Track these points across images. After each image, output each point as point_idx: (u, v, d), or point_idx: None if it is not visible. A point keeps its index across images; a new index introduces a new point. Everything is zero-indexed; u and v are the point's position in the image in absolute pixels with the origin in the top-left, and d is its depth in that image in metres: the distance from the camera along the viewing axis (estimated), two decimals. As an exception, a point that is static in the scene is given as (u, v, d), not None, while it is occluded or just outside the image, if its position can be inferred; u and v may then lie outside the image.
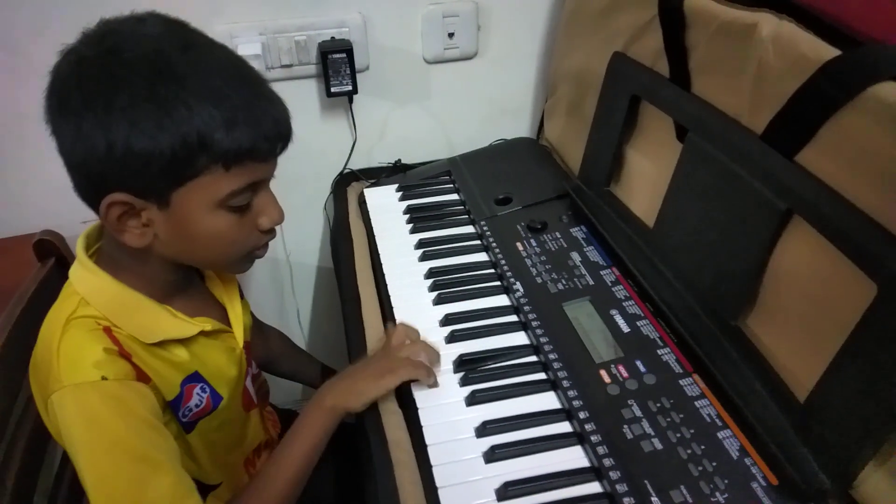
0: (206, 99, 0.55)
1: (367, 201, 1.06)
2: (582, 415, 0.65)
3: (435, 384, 0.71)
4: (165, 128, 0.54)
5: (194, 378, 0.67)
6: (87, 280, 0.62)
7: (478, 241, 0.94)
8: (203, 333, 0.68)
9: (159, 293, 0.65)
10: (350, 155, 1.16)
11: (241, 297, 0.79)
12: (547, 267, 0.85)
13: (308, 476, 0.68)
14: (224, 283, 0.76)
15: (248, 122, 0.57)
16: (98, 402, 0.56)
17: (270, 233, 0.66)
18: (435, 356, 0.73)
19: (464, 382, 0.71)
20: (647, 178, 0.86)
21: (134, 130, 0.53)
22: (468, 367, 0.73)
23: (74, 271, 0.64)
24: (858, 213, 0.54)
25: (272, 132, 0.60)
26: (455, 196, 1.06)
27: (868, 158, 0.53)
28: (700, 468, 0.59)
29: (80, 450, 0.56)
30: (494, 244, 0.91)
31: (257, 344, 0.89)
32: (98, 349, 0.58)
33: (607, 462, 0.60)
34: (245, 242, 0.65)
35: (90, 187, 0.57)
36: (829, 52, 0.55)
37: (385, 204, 1.05)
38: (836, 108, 0.54)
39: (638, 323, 0.74)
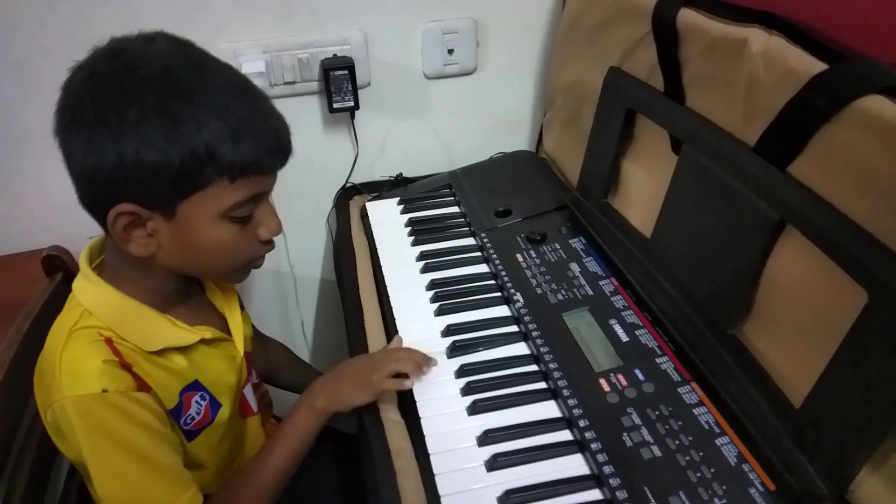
0: (213, 113, 0.57)
1: (369, 214, 1.07)
2: (582, 423, 0.66)
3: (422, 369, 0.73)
4: (175, 140, 0.56)
5: (194, 387, 0.69)
6: (89, 291, 0.64)
7: (478, 253, 0.95)
8: (203, 342, 0.69)
9: (160, 303, 0.67)
10: (352, 169, 1.17)
11: (242, 308, 0.81)
12: (546, 278, 0.86)
13: (293, 471, 0.70)
14: (224, 293, 0.78)
15: (253, 136, 0.60)
16: (100, 410, 0.58)
17: (269, 244, 0.68)
18: (425, 360, 0.74)
19: (465, 392, 0.72)
20: (643, 189, 0.87)
21: (144, 143, 0.55)
22: (469, 376, 0.74)
23: (78, 283, 0.65)
24: (849, 223, 0.55)
25: (275, 146, 0.63)
26: (456, 209, 1.07)
27: (856, 169, 0.54)
28: (698, 474, 0.60)
29: (86, 454, 0.58)
30: (495, 256, 0.92)
31: (259, 356, 0.91)
32: (98, 361, 0.60)
33: (607, 469, 0.61)
34: (245, 253, 0.67)
35: (98, 198, 0.59)
36: (817, 66, 0.56)
37: (387, 217, 1.06)
38: (825, 120, 0.56)
39: (636, 332, 0.76)
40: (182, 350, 0.68)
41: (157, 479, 0.60)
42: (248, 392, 0.79)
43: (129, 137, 0.55)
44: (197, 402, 0.69)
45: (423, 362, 0.73)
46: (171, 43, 0.60)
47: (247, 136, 0.59)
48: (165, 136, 0.56)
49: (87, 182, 0.59)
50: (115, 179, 0.57)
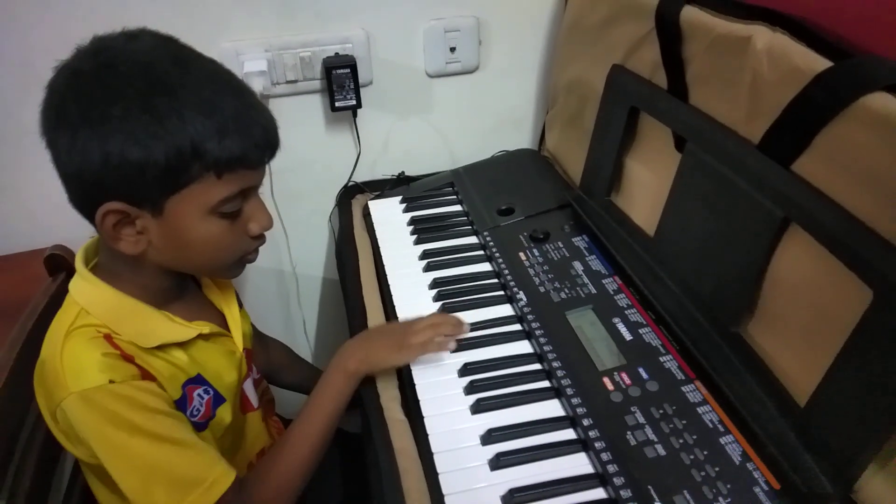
0: (197, 109, 0.57)
1: (372, 213, 1.07)
2: (586, 422, 0.66)
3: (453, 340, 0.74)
4: (159, 138, 0.56)
5: (196, 380, 0.69)
6: (85, 290, 0.64)
7: (481, 252, 0.95)
8: (202, 337, 0.69)
9: (156, 300, 0.67)
10: (354, 168, 1.17)
11: (241, 306, 0.80)
12: (550, 276, 0.86)
13: (331, 436, 0.70)
14: (221, 290, 0.78)
15: (238, 131, 0.59)
16: (109, 401, 0.58)
17: (260, 238, 0.68)
18: (457, 321, 0.76)
19: (469, 391, 0.72)
20: (647, 187, 0.87)
21: (129, 141, 0.55)
22: (473, 375, 0.73)
23: (74, 283, 0.66)
24: (854, 221, 0.55)
25: (262, 140, 0.62)
26: (458, 207, 1.07)
27: (861, 166, 0.54)
28: (703, 473, 0.60)
29: (101, 447, 0.58)
30: (497, 254, 0.92)
31: (259, 356, 0.91)
32: (98, 355, 0.60)
33: (611, 468, 0.61)
34: (236, 248, 0.67)
35: (85, 197, 0.59)
36: (822, 63, 0.56)
37: (389, 216, 1.06)
38: (829, 117, 0.55)
39: (640, 330, 0.75)
40: (181, 346, 0.68)
41: (184, 457, 0.59)
42: (248, 387, 0.79)
43: (114, 136, 0.55)
44: (199, 395, 0.69)
45: (458, 325, 0.75)
46: (154, 39, 0.60)
47: (232, 131, 0.59)
48: (150, 133, 0.55)
49: (74, 181, 0.59)
50: (101, 178, 0.57)
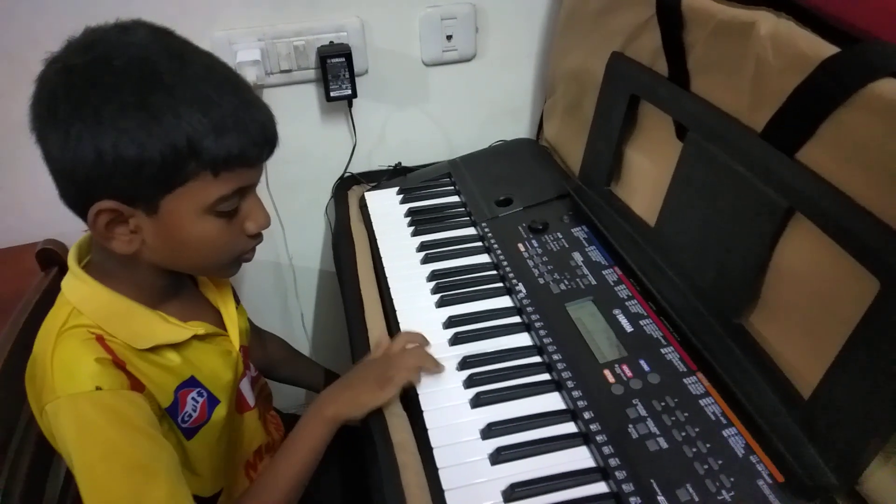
0: (194, 106, 0.55)
1: (369, 205, 1.06)
2: (587, 415, 0.65)
3: (438, 369, 0.72)
4: (154, 135, 0.54)
5: (189, 383, 0.67)
6: (78, 289, 0.63)
7: (479, 243, 0.94)
8: (197, 337, 0.68)
9: (150, 299, 0.66)
10: (350, 159, 1.16)
11: (238, 302, 0.79)
12: (549, 267, 0.85)
13: (307, 482, 0.69)
14: (217, 287, 0.77)
15: (236, 128, 0.57)
16: (93, 412, 0.56)
17: (257, 237, 0.67)
18: (431, 362, 0.73)
19: (468, 384, 0.71)
20: (647, 177, 0.86)
21: (123, 138, 0.53)
22: (472, 368, 0.73)
23: (66, 282, 0.64)
24: (860, 210, 0.54)
25: (259, 137, 0.60)
26: (456, 198, 1.06)
27: (868, 155, 0.53)
28: (706, 466, 0.59)
29: (76, 459, 0.56)
30: (496, 245, 0.91)
31: (256, 350, 0.90)
32: (90, 359, 0.58)
33: (613, 462, 0.60)
34: (233, 247, 0.65)
35: (78, 195, 0.57)
36: (828, 49, 0.55)
37: (386, 207, 1.05)
38: (836, 105, 0.54)
39: (641, 322, 0.75)
40: (175, 347, 0.66)
41: (152, 491, 0.57)
42: (245, 386, 0.78)
43: (107, 133, 0.53)
44: (193, 398, 0.67)
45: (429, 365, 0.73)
46: (149, 32, 0.58)
47: (230, 129, 0.57)
48: (144, 130, 0.54)
49: (66, 179, 0.57)
50: (94, 176, 0.55)
